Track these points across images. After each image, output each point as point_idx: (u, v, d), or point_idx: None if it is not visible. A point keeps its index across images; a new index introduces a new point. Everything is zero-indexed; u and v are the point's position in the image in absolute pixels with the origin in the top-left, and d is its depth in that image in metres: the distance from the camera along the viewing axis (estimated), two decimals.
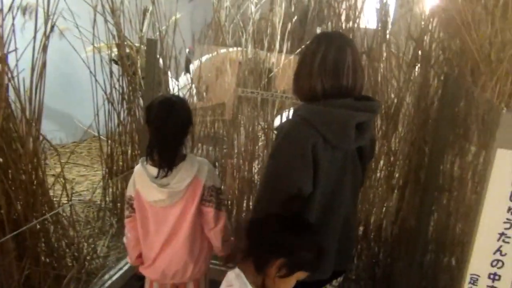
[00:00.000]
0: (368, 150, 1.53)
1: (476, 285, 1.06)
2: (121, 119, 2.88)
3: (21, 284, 1.98)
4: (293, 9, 2.95)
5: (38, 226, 2.09)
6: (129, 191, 1.66)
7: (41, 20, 1.99)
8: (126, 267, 2.43)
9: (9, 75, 1.89)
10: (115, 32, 2.74)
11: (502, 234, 1.03)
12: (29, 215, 2.02)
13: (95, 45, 2.71)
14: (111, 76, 2.83)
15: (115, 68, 2.86)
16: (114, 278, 2.37)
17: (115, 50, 2.83)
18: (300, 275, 1.25)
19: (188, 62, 3.63)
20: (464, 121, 1.94)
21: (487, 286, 1.06)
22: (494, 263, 1.05)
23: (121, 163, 3.00)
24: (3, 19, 1.82)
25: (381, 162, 2.44)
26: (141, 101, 2.80)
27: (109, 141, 2.96)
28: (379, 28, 2.33)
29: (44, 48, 2.00)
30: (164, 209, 1.60)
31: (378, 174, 2.47)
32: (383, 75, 2.36)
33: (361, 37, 2.38)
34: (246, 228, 1.29)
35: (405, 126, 2.39)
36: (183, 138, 1.58)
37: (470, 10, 1.72)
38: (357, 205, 1.69)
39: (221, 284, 1.29)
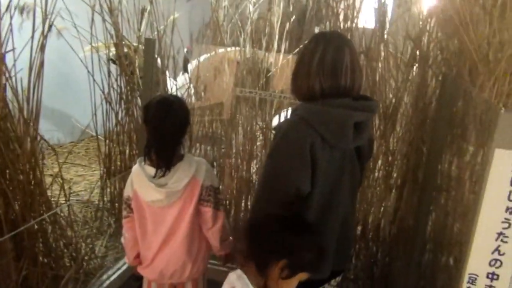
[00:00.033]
0: (367, 149, 1.53)
1: (474, 284, 1.06)
2: (119, 118, 2.88)
3: (19, 284, 1.98)
4: (291, 8, 2.95)
5: (36, 226, 2.09)
6: (127, 191, 1.66)
7: (39, 20, 1.99)
8: (124, 267, 2.43)
9: (7, 74, 1.89)
10: (113, 32, 2.73)
11: (500, 233, 1.03)
12: (26, 215, 2.02)
13: (93, 44, 2.71)
14: (109, 76, 2.82)
15: (113, 67, 2.86)
16: (112, 278, 2.37)
17: (113, 49, 2.82)
18: (302, 276, 1.25)
19: (186, 61, 3.63)
20: (462, 121, 1.95)
21: (486, 285, 1.06)
22: (493, 263, 1.05)
23: (119, 163, 2.99)
24: (0, 19, 1.82)
25: (379, 162, 2.44)
26: (139, 101, 2.79)
27: (107, 141, 2.95)
28: (377, 28, 2.34)
29: (42, 48, 2.00)
30: (162, 209, 1.60)
31: (376, 174, 2.47)
32: (381, 75, 2.36)
33: (359, 37, 2.38)
34: (247, 229, 1.29)
35: (403, 126, 2.39)
36: (181, 137, 1.58)
37: (468, 10, 1.72)
38: (356, 205, 1.69)
39: (222, 285, 1.29)
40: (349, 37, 2.30)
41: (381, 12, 2.33)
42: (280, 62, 2.71)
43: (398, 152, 2.40)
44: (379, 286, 2.51)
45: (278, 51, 2.71)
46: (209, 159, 2.72)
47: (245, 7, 2.78)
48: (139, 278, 1.80)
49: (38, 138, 2.06)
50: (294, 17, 2.90)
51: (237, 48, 2.70)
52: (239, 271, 1.26)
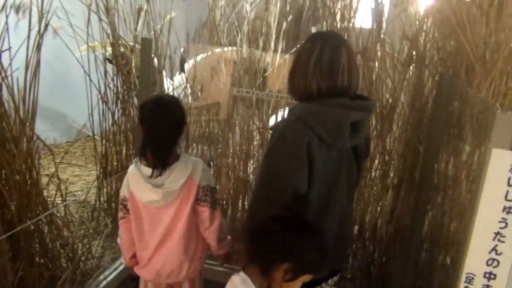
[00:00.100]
0: (363, 149, 1.54)
1: (472, 284, 1.07)
2: (116, 118, 2.87)
3: (15, 285, 1.97)
4: (288, 8, 2.95)
5: (32, 227, 2.08)
6: (123, 192, 1.65)
7: (35, 19, 1.98)
8: (121, 268, 2.42)
9: (3, 74, 1.88)
10: (109, 31, 2.73)
11: (497, 233, 1.04)
12: (23, 215, 2.01)
13: (90, 44, 2.70)
14: (106, 76, 2.81)
15: (109, 67, 2.85)
16: (109, 278, 2.36)
17: (109, 49, 2.82)
18: (306, 278, 1.25)
19: (183, 61, 3.62)
20: (459, 121, 1.95)
21: (483, 285, 1.06)
22: (490, 262, 1.05)
23: (115, 163, 2.99)
24: None
25: (376, 162, 2.45)
26: (135, 101, 2.79)
27: (104, 141, 2.95)
28: (374, 28, 2.34)
29: (38, 47, 1.99)
30: (159, 210, 1.59)
31: (373, 174, 2.48)
32: (378, 74, 2.37)
33: (356, 37, 2.38)
34: (251, 232, 1.28)
35: (400, 126, 2.40)
36: (177, 137, 1.58)
37: (465, 11, 1.72)
38: (353, 205, 1.69)
39: (218, 284, 1.29)
40: (346, 37, 2.30)
41: (377, 12, 2.33)
42: (277, 62, 2.71)
43: (395, 151, 2.41)
44: (376, 285, 2.52)
45: (275, 50, 2.71)
46: (206, 159, 2.72)
47: (242, 7, 2.78)
48: (136, 279, 1.79)
49: (34, 138, 2.05)
50: (291, 16, 2.90)
51: (234, 47, 2.70)
52: (242, 274, 1.25)
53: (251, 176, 2.67)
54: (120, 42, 2.75)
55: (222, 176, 2.69)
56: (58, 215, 2.30)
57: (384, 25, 2.38)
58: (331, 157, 1.38)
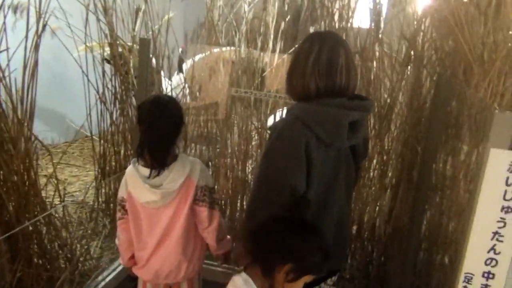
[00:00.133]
0: (362, 149, 1.54)
1: (470, 283, 1.07)
2: (114, 119, 2.87)
3: (13, 286, 1.96)
4: (286, 8, 2.95)
5: (30, 228, 2.07)
6: (121, 193, 1.65)
7: (33, 19, 1.97)
8: (119, 268, 2.42)
9: (1, 74, 1.88)
10: (107, 31, 2.72)
11: (496, 233, 1.04)
12: (21, 216, 2.01)
13: (87, 44, 2.70)
14: (104, 76, 2.81)
15: (107, 67, 2.85)
16: (107, 279, 2.36)
17: (107, 49, 2.81)
18: (307, 278, 1.25)
19: (181, 61, 3.62)
20: (457, 120, 1.96)
21: (482, 284, 1.07)
22: (488, 262, 1.06)
23: (113, 163, 2.98)
24: None
25: (374, 161, 2.45)
26: (134, 101, 2.78)
27: (102, 141, 2.94)
28: (372, 28, 2.34)
29: (36, 47, 1.98)
30: (157, 210, 1.59)
31: (371, 173, 2.48)
32: (376, 74, 2.37)
33: (354, 37, 2.39)
34: (252, 232, 1.28)
35: (398, 126, 2.40)
36: (175, 138, 1.57)
37: (463, 11, 1.73)
38: (351, 204, 1.69)
39: (217, 284, 1.29)
40: (344, 37, 2.30)
41: (375, 12, 2.34)
42: (275, 62, 2.71)
43: (393, 151, 2.41)
44: (375, 285, 2.52)
45: (273, 51, 2.71)
46: (204, 159, 2.72)
47: (240, 7, 2.78)
48: (134, 279, 1.79)
49: (32, 138, 2.04)
50: (289, 16, 2.90)
51: (232, 48, 2.69)
52: (244, 275, 1.25)
53: (249, 176, 2.67)
54: (118, 42, 2.75)
55: (221, 176, 2.69)
56: (57, 215, 2.30)
57: (382, 25, 2.38)
58: (329, 157, 1.38)
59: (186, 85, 2.78)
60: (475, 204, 1.04)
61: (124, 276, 2.39)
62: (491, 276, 1.06)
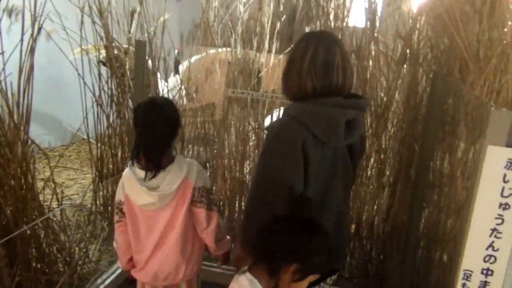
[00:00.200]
0: (358, 147, 1.54)
1: (469, 280, 1.07)
2: (111, 121, 2.86)
3: None
4: (281, 8, 2.95)
5: (28, 232, 2.07)
6: (118, 196, 1.65)
7: (28, 22, 1.97)
8: (118, 271, 2.41)
9: None
10: (103, 34, 2.72)
11: (494, 229, 1.04)
12: (19, 220, 2.00)
13: (83, 47, 2.69)
14: (100, 78, 2.80)
15: (103, 70, 2.84)
16: (106, 282, 2.35)
17: (103, 51, 2.81)
18: (312, 277, 1.25)
19: (177, 63, 3.61)
20: (453, 118, 1.96)
21: (480, 281, 1.07)
22: (487, 259, 1.06)
23: (111, 166, 2.97)
24: None
25: (372, 160, 2.45)
26: (130, 103, 2.78)
27: (99, 144, 2.93)
28: (368, 27, 2.35)
29: (32, 51, 1.98)
30: (155, 212, 1.59)
31: (369, 172, 2.48)
32: (372, 73, 2.38)
33: (350, 36, 2.39)
34: (258, 233, 1.28)
35: (395, 124, 2.41)
36: (171, 139, 1.57)
37: (458, 9, 1.73)
38: (349, 203, 1.69)
39: (216, 285, 1.28)
40: (339, 36, 2.31)
41: (371, 11, 2.34)
42: (271, 62, 2.71)
43: (390, 150, 2.42)
44: (374, 283, 2.53)
45: (269, 51, 2.71)
46: (201, 160, 2.72)
47: (235, 8, 2.78)
48: (133, 282, 1.79)
49: (29, 142, 2.04)
50: (284, 16, 2.91)
51: (228, 48, 2.69)
52: (249, 275, 1.24)
53: (247, 177, 2.67)
54: (113, 44, 2.74)
55: (218, 177, 2.69)
56: (54, 219, 2.29)
57: (377, 24, 2.38)
58: (327, 156, 1.38)
59: (183, 87, 2.78)
60: (473, 201, 1.04)
61: (123, 279, 2.39)
62: (490, 272, 1.06)
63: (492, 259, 1.06)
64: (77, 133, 2.90)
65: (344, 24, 2.41)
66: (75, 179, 3.81)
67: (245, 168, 2.67)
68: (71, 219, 2.97)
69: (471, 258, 1.07)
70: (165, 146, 1.55)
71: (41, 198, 2.17)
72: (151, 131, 1.52)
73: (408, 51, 2.29)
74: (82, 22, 2.63)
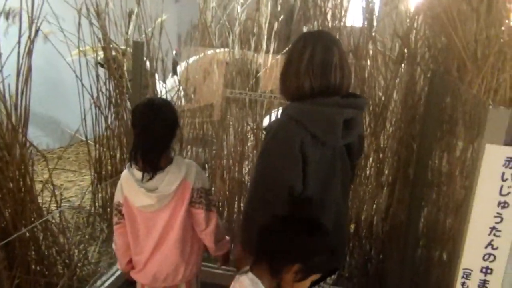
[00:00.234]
0: (357, 147, 1.54)
1: (469, 279, 1.08)
2: (109, 123, 2.86)
3: None
4: (279, 8, 2.95)
5: (27, 234, 2.06)
6: (117, 197, 1.65)
7: (25, 24, 1.96)
8: (118, 273, 2.41)
9: None
10: (100, 35, 2.71)
11: (493, 228, 1.05)
12: (17, 223, 2.00)
13: (81, 48, 2.69)
14: (98, 80, 2.80)
15: (101, 71, 2.84)
16: (106, 284, 2.35)
17: (101, 53, 2.80)
18: (314, 277, 1.25)
19: (175, 64, 3.61)
20: (451, 117, 1.96)
21: (480, 280, 1.07)
22: (486, 257, 1.06)
23: (109, 167, 2.97)
24: None
25: (370, 160, 2.45)
26: (128, 104, 2.78)
27: (97, 146, 2.93)
28: (365, 26, 2.35)
29: (29, 53, 1.97)
30: (154, 214, 1.59)
31: (368, 171, 2.49)
32: (370, 73, 2.38)
33: (347, 36, 2.39)
34: (260, 233, 1.28)
35: (393, 123, 2.41)
36: (169, 141, 1.57)
37: (455, 8, 1.73)
38: (348, 203, 1.69)
39: (215, 286, 1.28)
40: (337, 36, 2.31)
41: (368, 11, 2.34)
42: (269, 63, 2.71)
43: (389, 149, 2.42)
44: (374, 283, 2.53)
45: (267, 51, 2.71)
46: (200, 161, 2.71)
47: (233, 8, 2.78)
48: (132, 283, 1.79)
49: (27, 144, 2.03)
50: (282, 17, 2.91)
51: (226, 49, 2.69)
52: (251, 275, 1.24)
53: (246, 177, 2.67)
54: (111, 46, 2.74)
55: (217, 178, 2.69)
56: (53, 221, 2.29)
57: (375, 23, 2.39)
58: (325, 156, 1.38)
59: (181, 88, 2.78)
60: (471, 200, 1.05)
61: (122, 280, 2.38)
62: (489, 271, 1.07)
63: (492, 257, 1.06)
64: (75, 135, 2.89)
65: (342, 23, 2.41)
66: (74, 181, 3.80)
67: (244, 169, 2.67)
68: (70, 221, 2.97)
69: (471, 256, 1.07)
70: (163, 147, 1.55)
71: (39, 201, 2.17)
72: (149, 132, 1.52)
73: (405, 50, 2.30)
74: (79, 23, 2.62)
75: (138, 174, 1.55)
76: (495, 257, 1.06)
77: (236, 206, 2.70)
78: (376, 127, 2.38)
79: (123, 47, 2.81)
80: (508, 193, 1.02)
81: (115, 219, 1.67)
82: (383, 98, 2.37)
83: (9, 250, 1.99)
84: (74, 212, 3.13)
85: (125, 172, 1.61)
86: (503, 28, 1.68)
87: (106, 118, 2.85)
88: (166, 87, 2.89)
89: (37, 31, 2.00)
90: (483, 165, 1.02)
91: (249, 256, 1.37)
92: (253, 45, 2.67)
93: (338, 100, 1.35)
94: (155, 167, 1.54)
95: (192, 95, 2.88)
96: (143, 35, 2.69)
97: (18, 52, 1.94)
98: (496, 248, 1.05)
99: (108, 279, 2.39)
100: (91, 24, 2.66)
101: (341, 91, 1.39)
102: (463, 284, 1.09)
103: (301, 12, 2.88)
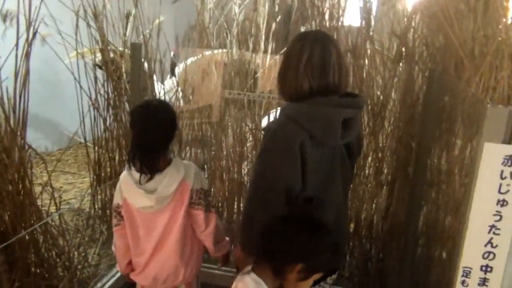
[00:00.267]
0: (356, 146, 1.54)
1: (469, 277, 1.08)
2: (108, 124, 2.86)
3: None
4: (276, 9, 2.95)
5: (27, 237, 2.06)
6: (116, 199, 1.65)
7: (23, 27, 1.96)
8: (118, 275, 2.41)
9: None
10: (98, 37, 2.71)
11: (492, 226, 1.05)
12: (17, 226, 1.99)
13: (78, 50, 2.68)
14: (96, 82, 2.80)
15: (99, 73, 2.83)
16: (106, 286, 2.35)
17: (98, 55, 2.80)
18: (317, 276, 1.25)
19: (173, 65, 3.61)
20: (450, 116, 1.97)
21: (480, 278, 1.07)
22: (486, 255, 1.06)
23: (109, 169, 2.97)
24: None
25: (369, 159, 2.46)
26: (127, 106, 2.77)
27: (96, 148, 2.93)
28: (363, 26, 2.35)
29: (27, 55, 1.97)
30: (153, 215, 1.59)
31: (367, 171, 2.49)
32: (368, 72, 2.38)
33: (345, 35, 2.39)
34: (263, 233, 1.28)
35: (392, 123, 2.41)
36: (167, 142, 1.57)
37: (453, 6, 1.74)
38: (348, 202, 1.69)
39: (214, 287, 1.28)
40: (335, 36, 2.31)
41: (366, 10, 2.35)
42: (268, 63, 2.71)
43: (388, 148, 2.42)
44: (374, 282, 2.53)
45: (265, 51, 2.71)
46: (199, 162, 2.71)
47: (230, 9, 2.78)
48: (132, 285, 1.79)
49: (26, 147, 2.03)
50: (280, 17, 2.91)
51: (224, 50, 2.69)
52: (254, 275, 1.24)
53: (245, 178, 2.67)
54: (109, 47, 2.74)
55: (217, 179, 2.69)
56: (53, 224, 2.29)
57: (372, 23, 2.39)
58: (324, 156, 1.39)
59: (179, 89, 2.78)
60: (471, 198, 1.05)
61: (122, 282, 2.38)
62: (489, 269, 1.07)
63: (491, 255, 1.06)
64: (74, 137, 2.89)
65: (339, 23, 2.41)
66: (73, 183, 3.80)
67: (243, 169, 2.66)
68: (69, 224, 2.96)
69: (470, 255, 1.07)
70: (161, 148, 1.55)
71: (39, 203, 2.17)
72: (147, 134, 1.52)
73: (403, 49, 2.30)
74: (77, 25, 2.62)
75: (137, 175, 1.55)
76: (494, 255, 1.06)
77: (235, 206, 2.70)
78: (375, 127, 2.39)
79: (121, 49, 2.81)
80: (507, 191, 1.03)
81: (114, 221, 1.67)
82: (381, 98, 2.37)
83: (9, 253, 1.98)
84: (74, 214, 3.12)
85: (124, 174, 1.61)
86: (500, 26, 1.69)
87: (104, 120, 2.84)
88: (164, 88, 2.89)
89: (34, 33, 2.00)
90: (482, 164, 1.02)
91: (249, 256, 1.37)
92: (251, 45, 2.67)
93: (336, 100, 1.35)
94: (153, 169, 1.54)
95: (191, 96, 2.88)
96: (141, 37, 2.69)
97: (16, 55, 1.94)
98: (496, 246, 1.05)
99: (108, 281, 2.38)
100: (88, 26, 2.66)
101: (339, 90, 1.39)
102: (463, 282, 1.09)
103: (299, 12, 2.88)
